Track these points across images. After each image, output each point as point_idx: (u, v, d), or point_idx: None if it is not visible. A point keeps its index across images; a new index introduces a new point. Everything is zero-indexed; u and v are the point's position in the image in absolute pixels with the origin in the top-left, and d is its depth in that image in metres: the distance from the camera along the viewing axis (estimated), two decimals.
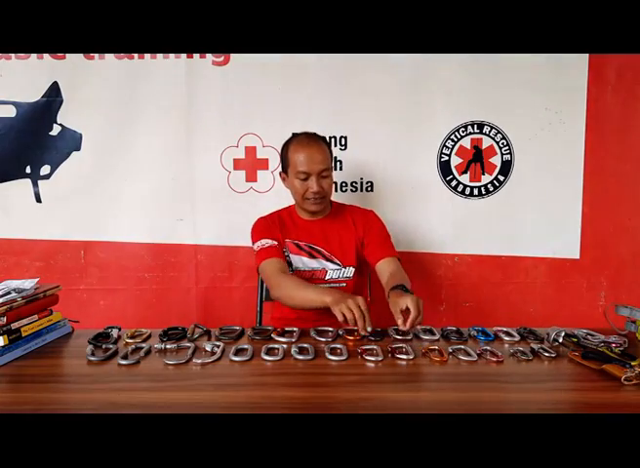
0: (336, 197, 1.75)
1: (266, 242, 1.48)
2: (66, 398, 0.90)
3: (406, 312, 1.16)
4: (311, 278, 1.52)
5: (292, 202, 1.64)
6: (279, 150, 1.88)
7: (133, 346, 1.11)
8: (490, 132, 1.92)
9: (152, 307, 1.98)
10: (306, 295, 1.29)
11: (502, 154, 1.94)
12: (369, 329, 1.14)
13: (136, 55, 1.84)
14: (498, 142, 1.93)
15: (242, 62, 1.86)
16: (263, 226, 1.54)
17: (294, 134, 1.53)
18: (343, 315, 1.14)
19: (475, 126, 1.92)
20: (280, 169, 1.57)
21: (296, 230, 1.56)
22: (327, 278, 1.53)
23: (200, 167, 1.92)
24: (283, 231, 1.55)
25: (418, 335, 1.19)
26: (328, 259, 1.54)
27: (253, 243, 1.52)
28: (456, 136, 1.93)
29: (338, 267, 1.54)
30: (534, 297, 2.01)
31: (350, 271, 1.54)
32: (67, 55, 1.82)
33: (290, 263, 1.52)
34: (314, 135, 1.51)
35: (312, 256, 1.54)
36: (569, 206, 1.96)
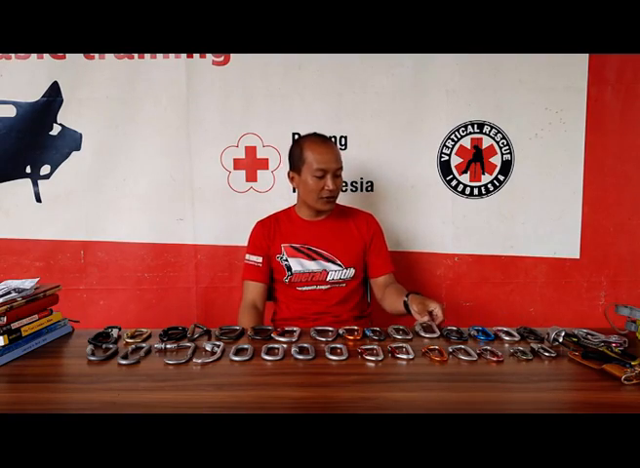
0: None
1: (253, 259, 1.54)
2: (66, 398, 0.90)
3: (430, 314, 1.27)
4: (310, 280, 1.52)
5: (292, 202, 1.64)
6: (279, 150, 1.91)
7: (133, 346, 1.11)
8: (490, 131, 1.92)
9: (152, 307, 1.98)
10: None
11: (502, 154, 1.94)
12: None
13: (136, 55, 1.83)
14: (498, 142, 1.93)
15: (242, 62, 1.86)
16: (255, 237, 1.57)
17: (301, 135, 1.54)
18: None
19: (475, 126, 1.92)
20: (287, 169, 1.56)
21: (294, 232, 1.56)
22: (328, 279, 1.52)
23: (200, 167, 1.92)
24: (278, 235, 1.55)
25: (418, 334, 1.20)
26: (329, 260, 1.53)
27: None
28: (456, 136, 1.93)
29: (339, 268, 1.53)
30: (534, 297, 2.01)
31: (351, 272, 1.54)
32: (67, 55, 1.82)
33: (289, 268, 1.52)
34: (324, 135, 1.53)
35: (311, 258, 1.53)
36: (569, 206, 1.96)
